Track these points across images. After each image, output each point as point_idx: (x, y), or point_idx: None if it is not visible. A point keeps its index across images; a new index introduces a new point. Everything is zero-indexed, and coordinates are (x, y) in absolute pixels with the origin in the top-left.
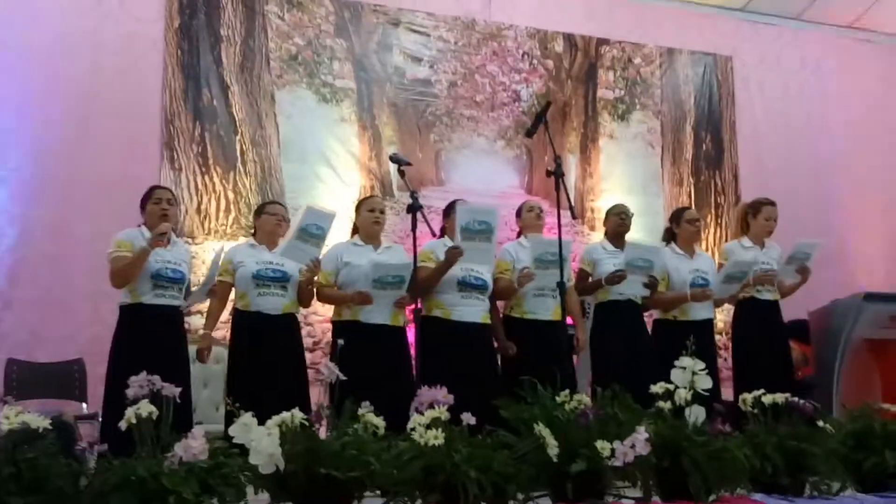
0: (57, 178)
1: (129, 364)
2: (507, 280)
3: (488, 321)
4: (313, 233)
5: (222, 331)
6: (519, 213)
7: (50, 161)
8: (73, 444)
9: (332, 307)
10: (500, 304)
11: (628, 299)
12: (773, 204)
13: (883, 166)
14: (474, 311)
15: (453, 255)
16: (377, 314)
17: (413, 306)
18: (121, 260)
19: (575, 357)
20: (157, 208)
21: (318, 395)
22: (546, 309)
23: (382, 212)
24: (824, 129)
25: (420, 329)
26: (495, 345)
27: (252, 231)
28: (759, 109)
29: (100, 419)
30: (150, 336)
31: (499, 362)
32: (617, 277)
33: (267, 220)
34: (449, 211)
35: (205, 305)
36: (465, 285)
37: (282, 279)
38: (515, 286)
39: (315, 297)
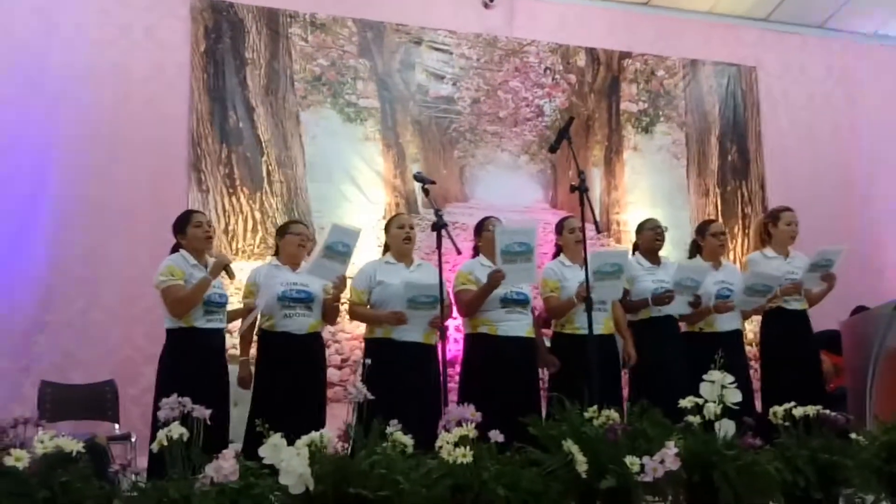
0: (88, 203)
1: (181, 387)
2: (557, 298)
3: (533, 335)
4: (339, 250)
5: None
6: (559, 230)
7: (81, 186)
8: (107, 466)
9: (363, 325)
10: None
11: (667, 315)
12: (790, 210)
13: None
14: (519, 325)
15: (496, 279)
16: (410, 332)
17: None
18: (177, 289)
19: (623, 371)
20: (201, 231)
21: (346, 414)
22: (598, 324)
23: (412, 228)
24: (851, 137)
25: (467, 346)
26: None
27: (274, 251)
28: (785, 119)
29: (132, 439)
30: (200, 359)
31: (540, 378)
32: (667, 298)
33: (290, 240)
34: (480, 229)
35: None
36: (509, 301)
37: (307, 299)
38: (575, 301)
39: (348, 315)
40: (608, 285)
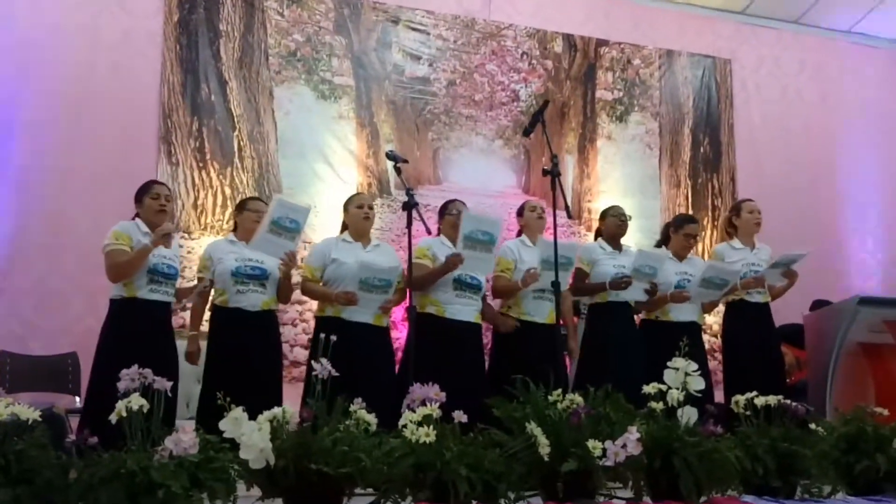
0: (54, 171)
1: (119, 358)
2: (507, 279)
3: (480, 321)
4: (287, 226)
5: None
6: (521, 213)
7: (47, 153)
8: (64, 436)
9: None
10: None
11: (624, 301)
12: (751, 200)
13: (880, 171)
14: (468, 310)
15: (454, 262)
16: (361, 313)
17: (406, 304)
18: (119, 254)
19: (567, 361)
20: (156, 203)
21: (295, 392)
22: (543, 312)
23: (371, 208)
24: (822, 132)
25: (413, 325)
26: (483, 337)
27: (233, 227)
28: (757, 112)
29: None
30: (141, 331)
31: (486, 363)
32: (623, 283)
33: (248, 216)
34: (444, 210)
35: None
36: (461, 284)
37: (261, 276)
38: (519, 285)
39: (301, 292)
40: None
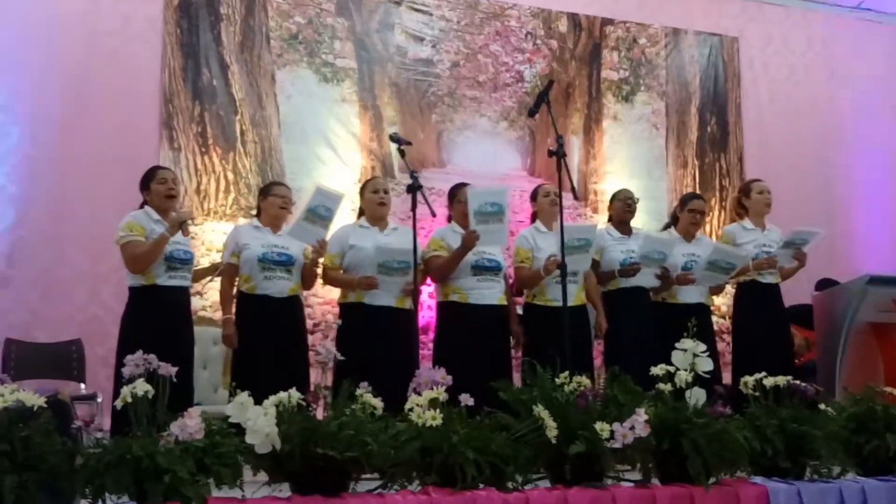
0: (55, 158)
1: (143, 345)
2: (528, 268)
3: (505, 303)
4: (321, 214)
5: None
6: (534, 197)
7: (48, 141)
8: (69, 422)
9: (335, 289)
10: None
11: (636, 286)
12: (760, 180)
13: (888, 148)
14: (491, 293)
15: (470, 239)
16: (383, 297)
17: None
18: (136, 245)
19: (597, 342)
20: (164, 188)
21: (317, 377)
22: (570, 295)
23: (387, 192)
24: (830, 110)
25: (439, 315)
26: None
27: (255, 212)
28: (765, 91)
29: (98, 399)
30: (162, 317)
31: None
32: (633, 270)
33: (273, 201)
34: (452, 196)
35: (199, 286)
36: (480, 268)
37: (287, 262)
38: (542, 273)
39: (321, 280)
40: (576, 259)
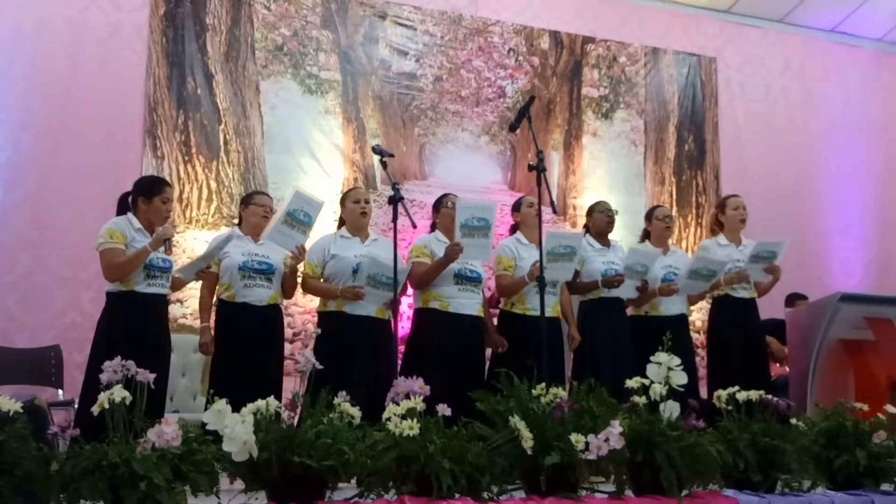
0: (38, 164)
1: (116, 352)
2: (510, 276)
3: (482, 314)
4: (301, 219)
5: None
6: (517, 208)
7: (31, 146)
8: (45, 428)
9: (315, 298)
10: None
11: (615, 297)
12: (736, 196)
13: (862, 169)
14: (471, 303)
15: (454, 251)
16: (363, 307)
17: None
18: (115, 253)
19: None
20: (165, 209)
21: (294, 385)
22: (547, 306)
23: (368, 202)
24: (805, 131)
25: (416, 320)
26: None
27: (237, 221)
28: (741, 111)
29: (75, 405)
30: (138, 324)
31: (486, 357)
32: (616, 281)
33: (254, 210)
34: (438, 206)
35: (180, 294)
36: (462, 278)
37: (267, 271)
38: (527, 279)
39: (301, 288)
40: (560, 267)
